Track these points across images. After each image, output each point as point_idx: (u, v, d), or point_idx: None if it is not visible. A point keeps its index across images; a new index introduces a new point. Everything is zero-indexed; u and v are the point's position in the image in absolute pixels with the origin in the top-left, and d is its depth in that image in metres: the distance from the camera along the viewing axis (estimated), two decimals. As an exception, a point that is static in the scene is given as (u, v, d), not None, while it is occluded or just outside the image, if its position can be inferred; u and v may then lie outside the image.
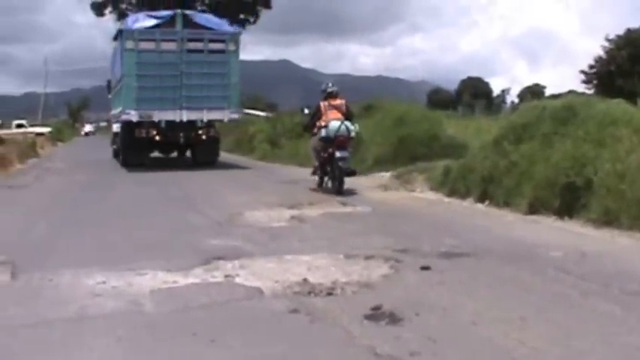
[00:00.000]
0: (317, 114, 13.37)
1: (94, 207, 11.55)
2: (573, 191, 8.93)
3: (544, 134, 10.46)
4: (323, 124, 12.89)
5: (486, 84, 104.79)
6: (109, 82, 25.31)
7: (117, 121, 22.47)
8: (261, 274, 6.08)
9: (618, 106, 10.68)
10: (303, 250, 7.11)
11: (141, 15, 21.63)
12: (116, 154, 23.21)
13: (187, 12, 21.05)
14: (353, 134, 12.91)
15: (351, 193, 12.51)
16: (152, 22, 19.85)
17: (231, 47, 20.20)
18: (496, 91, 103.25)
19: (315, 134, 13.36)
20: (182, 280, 5.90)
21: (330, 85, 13.62)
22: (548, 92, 79.22)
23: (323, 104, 13.25)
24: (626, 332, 4.33)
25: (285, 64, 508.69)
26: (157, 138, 19.80)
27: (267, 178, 16.67)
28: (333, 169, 12.81)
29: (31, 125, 56.03)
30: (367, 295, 5.30)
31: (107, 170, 20.37)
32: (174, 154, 22.83)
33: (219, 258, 6.70)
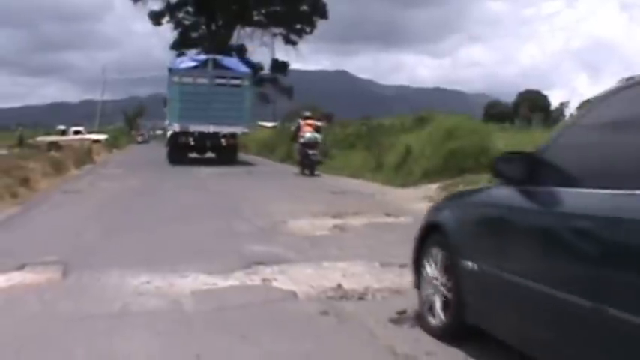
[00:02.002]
0: (298, 128, 22.50)
1: (145, 212, 11.98)
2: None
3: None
4: (301, 134, 21.87)
5: (545, 97, 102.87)
6: (164, 98, 31.44)
7: (168, 130, 29.83)
8: (297, 278, 6.37)
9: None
10: (340, 258, 7.37)
11: (185, 58, 32.81)
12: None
13: (217, 57, 30.03)
14: (319, 140, 21.82)
15: (392, 204, 12.68)
16: (192, 63, 28.76)
17: (246, 83, 28.55)
18: (554, 104, 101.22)
19: (298, 141, 22.13)
20: (222, 282, 6.23)
21: (306, 112, 24.05)
22: (608, 105, 77.45)
23: (302, 122, 22.42)
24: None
25: (343, 75, 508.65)
26: (192, 143, 27.45)
27: (316, 188, 16.89)
28: (308, 161, 21.36)
29: (89, 132, 56.85)
30: (396, 301, 5.54)
31: (159, 177, 20.97)
32: (208, 155, 28.92)
33: (260, 263, 7.01)
